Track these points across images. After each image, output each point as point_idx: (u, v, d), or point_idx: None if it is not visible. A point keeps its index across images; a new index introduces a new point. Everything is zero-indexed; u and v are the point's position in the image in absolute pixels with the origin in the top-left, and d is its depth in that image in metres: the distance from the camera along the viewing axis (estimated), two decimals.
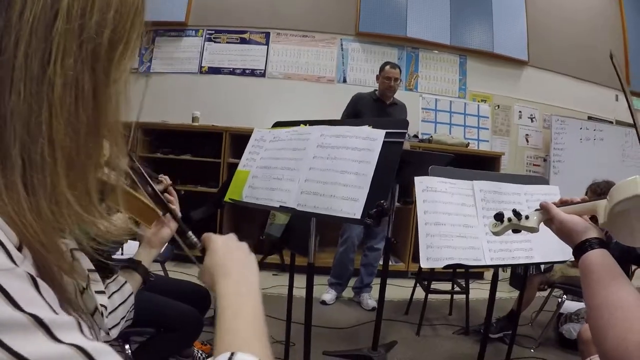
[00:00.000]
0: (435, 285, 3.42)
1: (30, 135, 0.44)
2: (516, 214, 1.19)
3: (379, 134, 1.64)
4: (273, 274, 4.34)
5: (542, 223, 1.16)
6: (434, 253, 1.74)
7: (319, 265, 4.50)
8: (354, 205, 1.53)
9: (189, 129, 4.65)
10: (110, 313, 0.93)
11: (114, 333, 0.97)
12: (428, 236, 1.76)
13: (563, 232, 1.03)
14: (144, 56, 5.28)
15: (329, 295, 3.67)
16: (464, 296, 3.38)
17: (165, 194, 1.19)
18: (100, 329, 0.82)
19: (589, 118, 5.55)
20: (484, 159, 4.81)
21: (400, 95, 4.99)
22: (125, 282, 1.01)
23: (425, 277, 3.48)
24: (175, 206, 1.20)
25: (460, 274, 3.59)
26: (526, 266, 2.72)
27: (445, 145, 4.57)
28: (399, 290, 3.89)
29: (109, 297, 0.94)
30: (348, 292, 3.84)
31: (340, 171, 1.63)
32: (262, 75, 5.23)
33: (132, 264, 1.11)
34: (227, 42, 5.26)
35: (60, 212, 0.47)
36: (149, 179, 1.01)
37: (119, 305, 0.97)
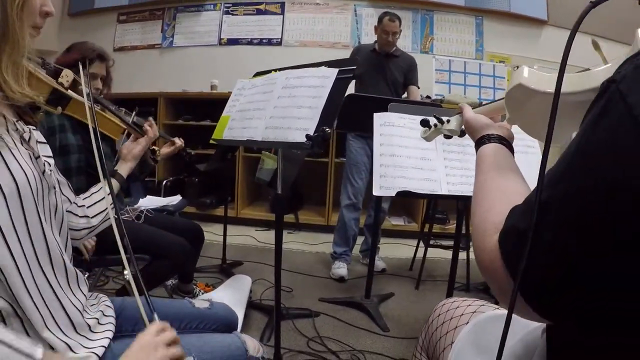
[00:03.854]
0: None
1: None
2: (438, 119, 1.25)
3: (332, 72, 1.79)
4: (288, 232, 4.58)
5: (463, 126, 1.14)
6: (386, 182, 1.88)
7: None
8: (304, 134, 1.69)
9: (208, 97, 4.90)
10: (90, 206, 1.22)
11: (95, 221, 1.24)
12: (382, 166, 1.90)
13: (469, 130, 1.03)
14: (166, 32, 5.57)
15: (343, 270, 3.34)
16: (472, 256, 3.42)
17: (146, 125, 1.67)
18: (53, 185, 1.00)
19: None
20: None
21: (415, 57, 5.05)
22: (102, 187, 1.26)
23: (431, 235, 3.44)
24: (148, 137, 1.62)
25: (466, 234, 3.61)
26: None
27: (457, 105, 4.60)
28: (409, 249, 3.88)
29: (90, 196, 1.24)
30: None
31: (297, 106, 1.80)
32: (279, 44, 5.41)
33: (111, 172, 1.43)
34: (244, 14, 5.46)
35: None
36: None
37: (99, 200, 1.24)
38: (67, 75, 1.25)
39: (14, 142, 0.86)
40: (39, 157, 0.96)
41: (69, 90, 1.21)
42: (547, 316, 0.56)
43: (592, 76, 0.71)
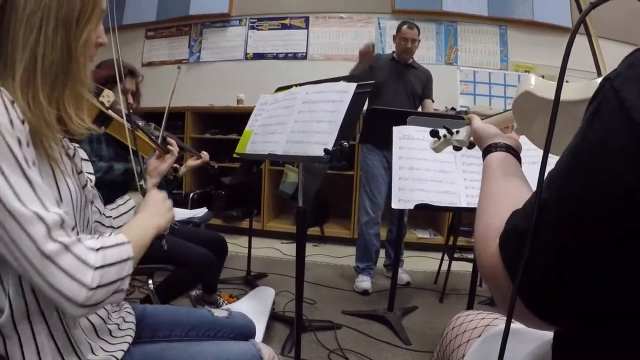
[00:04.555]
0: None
1: (24, 67, 0.80)
2: (448, 130, 1.24)
3: (351, 87, 1.82)
4: (313, 245, 4.61)
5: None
6: (405, 195, 1.89)
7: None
8: (323, 148, 1.72)
9: (234, 111, 5.00)
10: (116, 218, 1.26)
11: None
12: (401, 179, 1.92)
13: (477, 139, 1.02)
14: (193, 47, 5.71)
15: (366, 283, 3.31)
16: None
17: (169, 146, 1.73)
18: (91, 201, 1.10)
19: None
20: None
21: (440, 69, 5.09)
22: (129, 198, 1.32)
23: (456, 248, 3.40)
24: (172, 156, 1.71)
25: None
26: None
27: (482, 117, 4.58)
28: (434, 262, 3.84)
29: (117, 207, 1.29)
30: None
31: (317, 121, 1.84)
32: (304, 58, 5.49)
33: (136, 186, 1.47)
34: (269, 29, 5.57)
35: (38, 108, 0.81)
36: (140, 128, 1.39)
37: (125, 212, 1.29)
38: (107, 95, 1.35)
39: (61, 158, 0.92)
40: (81, 172, 1.03)
41: (110, 110, 1.28)
42: (545, 318, 0.56)
43: (593, 85, 0.68)
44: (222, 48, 5.66)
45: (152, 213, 1.06)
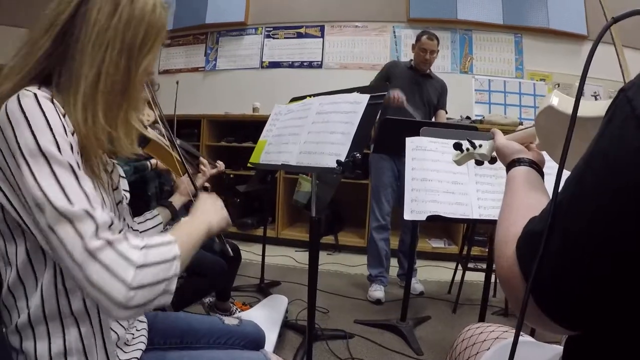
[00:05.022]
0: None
1: (88, 83, 0.84)
2: (471, 143, 1.23)
3: (364, 98, 1.84)
4: (327, 254, 4.61)
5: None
6: (417, 207, 1.90)
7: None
8: (336, 159, 1.74)
9: (250, 119, 5.04)
10: (143, 232, 1.30)
11: None
12: (413, 191, 1.92)
13: (500, 156, 1.03)
14: (209, 55, 5.78)
15: (379, 292, 3.31)
16: None
17: (201, 166, 1.78)
18: (124, 217, 1.12)
19: None
20: None
21: (455, 77, 5.09)
22: (158, 214, 1.37)
23: (471, 258, 3.40)
24: (203, 176, 1.75)
25: None
26: None
27: (497, 126, 4.57)
28: (448, 272, 3.80)
29: (144, 222, 1.33)
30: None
31: (330, 132, 1.85)
32: (319, 66, 5.53)
33: (166, 203, 1.52)
34: (285, 38, 5.61)
35: (95, 124, 0.85)
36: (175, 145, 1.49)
37: (151, 227, 1.34)
38: (148, 114, 1.38)
39: (100, 173, 0.95)
40: (117, 188, 1.06)
41: (149, 129, 1.32)
42: (555, 318, 0.56)
43: None
44: (238, 56, 5.73)
45: (201, 212, 1.07)
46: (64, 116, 0.80)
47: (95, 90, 0.85)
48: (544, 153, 0.98)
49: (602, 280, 0.49)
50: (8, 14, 5.54)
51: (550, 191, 0.62)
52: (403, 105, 3.30)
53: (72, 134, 0.81)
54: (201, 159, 1.87)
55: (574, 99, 0.76)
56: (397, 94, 3.25)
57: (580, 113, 0.65)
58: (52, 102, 0.80)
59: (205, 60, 5.82)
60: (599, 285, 0.50)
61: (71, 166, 0.76)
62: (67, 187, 0.74)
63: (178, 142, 2.03)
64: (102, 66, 0.85)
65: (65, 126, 0.79)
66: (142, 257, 0.77)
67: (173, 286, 0.82)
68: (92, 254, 0.73)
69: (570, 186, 0.55)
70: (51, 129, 0.76)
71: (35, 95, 0.78)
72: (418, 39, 3.53)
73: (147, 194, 2.12)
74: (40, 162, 0.74)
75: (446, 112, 3.74)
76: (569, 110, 0.77)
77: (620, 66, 1.16)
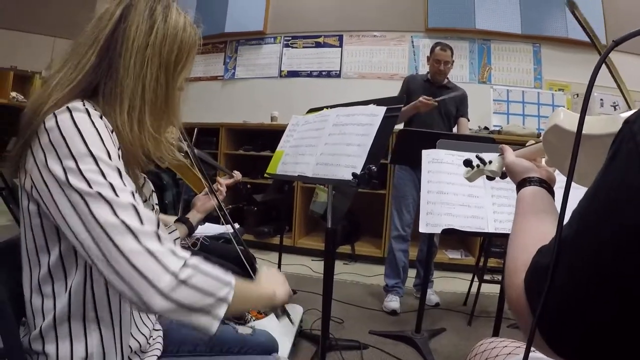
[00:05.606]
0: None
1: (134, 94, 0.91)
2: (480, 159, 1.24)
3: (381, 111, 1.85)
4: (344, 263, 4.61)
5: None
6: (433, 219, 1.90)
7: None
8: (351, 171, 1.75)
9: (268, 128, 5.07)
10: None
11: None
12: (429, 203, 1.93)
13: (510, 174, 1.03)
14: (228, 64, 5.85)
15: (395, 303, 3.31)
16: None
17: (217, 185, 1.82)
18: None
19: None
20: None
21: (473, 87, 5.07)
22: (176, 229, 1.42)
23: (486, 270, 3.38)
24: (221, 193, 1.80)
25: None
26: None
27: (515, 136, 4.54)
28: (464, 284, 3.80)
29: None
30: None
31: (346, 144, 1.87)
32: (338, 76, 5.55)
33: (183, 219, 1.57)
34: (304, 47, 5.66)
35: (142, 131, 0.93)
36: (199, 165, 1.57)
37: None
38: (172, 132, 1.41)
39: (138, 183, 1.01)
40: (146, 200, 1.10)
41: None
42: (559, 352, 0.56)
43: (618, 120, 0.68)
44: (257, 65, 5.79)
45: (267, 281, 1.06)
46: (112, 132, 0.86)
47: (142, 102, 0.92)
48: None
49: (606, 319, 0.49)
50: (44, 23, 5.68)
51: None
52: (437, 103, 3.32)
53: (119, 149, 0.87)
54: (218, 178, 1.91)
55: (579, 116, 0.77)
56: (423, 99, 3.27)
57: (586, 131, 0.65)
58: (101, 118, 0.86)
59: (224, 68, 5.90)
60: (604, 323, 0.49)
61: (119, 170, 0.82)
62: (115, 184, 0.79)
63: (196, 151, 2.08)
64: (145, 80, 0.91)
65: (114, 142, 0.85)
66: (194, 261, 0.81)
67: (221, 311, 0.84)
68: (142, 242, 0.76)
69: (575, 221, 0.54)
70: (103, 142, 0.82)
71: (87, 110, 0.84)
72: (432, 50, 3.55)
73: (164, 202, 2.15)
74: (90, 164, 0.79)
75: (468, 120, 3.70)
76: (575, 128, 0.77)
77: (622, 92, 1.15)
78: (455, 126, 3.70)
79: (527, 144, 1.06)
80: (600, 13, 5.03)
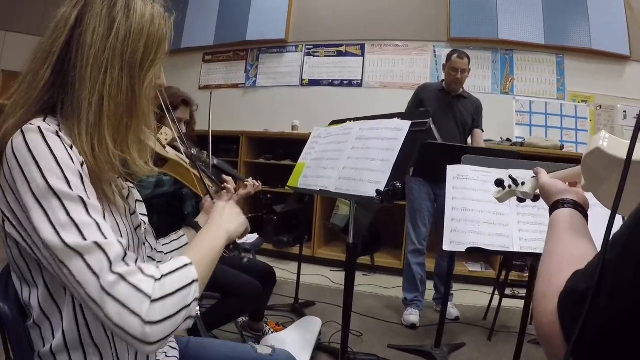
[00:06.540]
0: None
1: (90, 108, 0.82)
2: (513, 180, 1.20)
3: (405, 125, 1.83)
4: (363, 274, 4.56)
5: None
6: (457, 237, 1.86)
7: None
8: (375, 187, 1.73)
9: (289, 137, 5.08)
10: (168, 253, 1.28)
11: None
12: (454, 221, 1.89)
13: (544, 195, 1.01)
14: (249, 72, 5.88)
15: (414, 317, 3.26)
16: None
17: (225, 184, 1.75)
18: (143, 242, 1.09)
19: None
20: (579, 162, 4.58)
21: (495, 98, 5.03)
22: (184, 234, 1.35)
23: (507, 284, 3.34)
24: (229, 191, 1.71)
25: None
26: None
27: (537, 148, 4.47)
28: (485, 297, 3.72)
29: (170, 243, 1.31)
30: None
31: (370, 159, 1.85)
32: (359, 85, 5.53)
33: (192, 223, 1.49)
34: (325, 56, 5.67)
35: (102, 150, 0.83)
36: (199, 165, 1.48)
37: (177, 248, 1.31)
38: (166, 133, 1.38)
39: (115, 198, 0.93)
40: (134, 213, 1.04)
41: (167, 148, 1.32)
42: None
43: None
44: (278, 74, 5.80)
45: (218, 221, 1.02)
46: (71, 147, 0.79)
47: (100, 115, 0.83)
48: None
49: None
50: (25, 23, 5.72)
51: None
52: None
53: (82, 165, 0.80)
54: (224, 176, 1.85)
55: (625, 142, 0.75)
56: None
57: (634, 157, 0.63)
58: (58, 134, 0.79)
59: (246, 76, 5.93)
60: None
61: (82, 199, 0.76)
62: (78, 221, 0.74)
63: (215, 161, 2.06)
64: (103, 89, 0.83)
65: (74, 158, 0.78)
66: (158, 289, 0.74)
67: (194, 311, 0.80)
68: (107, 289, 0.71)
69: (618, 246, 0.52)
70: (59, 165, 0.76)
71: (40, 128, 0.78)
72: (448, 58, 3.49)
73: (184, 212, 2.14)
74: (51, 201, 0.74)
75: (483, 131, 3.63)
76: (619, 154, 0.76)
77: None
78: (469, 137, 3.64)
79: (562, 167, 1.03)
80: (623, 21, 4.97)
